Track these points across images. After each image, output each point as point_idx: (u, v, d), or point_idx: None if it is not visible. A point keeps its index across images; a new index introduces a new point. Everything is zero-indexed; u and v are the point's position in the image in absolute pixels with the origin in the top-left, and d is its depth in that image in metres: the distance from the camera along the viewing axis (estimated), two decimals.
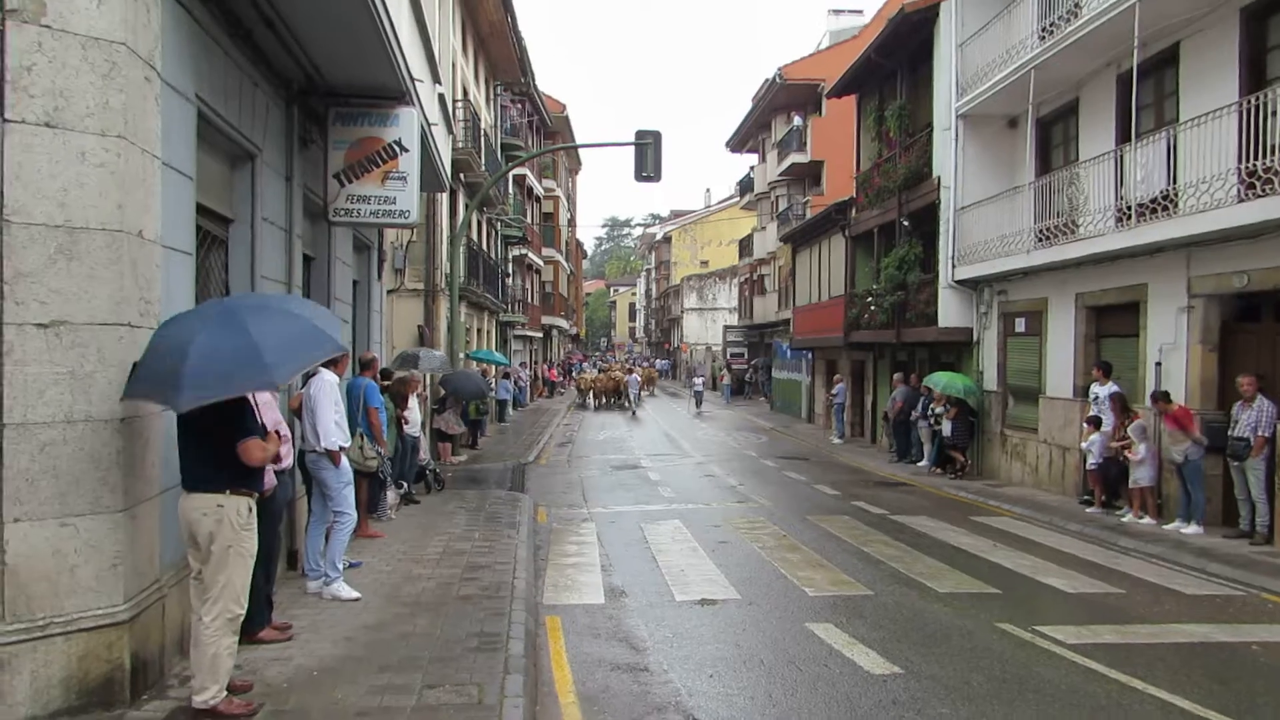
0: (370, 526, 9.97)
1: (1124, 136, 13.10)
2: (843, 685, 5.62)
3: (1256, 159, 9.87)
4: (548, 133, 39.18)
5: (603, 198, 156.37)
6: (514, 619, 6.73)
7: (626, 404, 37.02)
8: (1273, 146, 9.77)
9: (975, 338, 17.31)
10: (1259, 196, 9.75)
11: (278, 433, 5.47)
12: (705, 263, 67.47)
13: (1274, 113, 9.84)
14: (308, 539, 7.68)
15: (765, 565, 9.17)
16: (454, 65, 19.83)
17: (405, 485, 12.03)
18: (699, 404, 36.65)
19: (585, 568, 9.09)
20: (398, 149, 8.60)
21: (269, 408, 5.74)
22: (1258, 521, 10.18)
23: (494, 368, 26.08)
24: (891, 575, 8.67)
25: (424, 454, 13.57)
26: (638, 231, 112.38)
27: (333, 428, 7.45)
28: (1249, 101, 10.12)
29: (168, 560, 5.39)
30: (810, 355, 29.93)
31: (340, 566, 7.36)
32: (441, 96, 12.42)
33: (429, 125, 9.90)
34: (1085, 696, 5.40)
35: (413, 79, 8.50)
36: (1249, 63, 11.10)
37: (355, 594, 7.25)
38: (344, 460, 7.56)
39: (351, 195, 8.69)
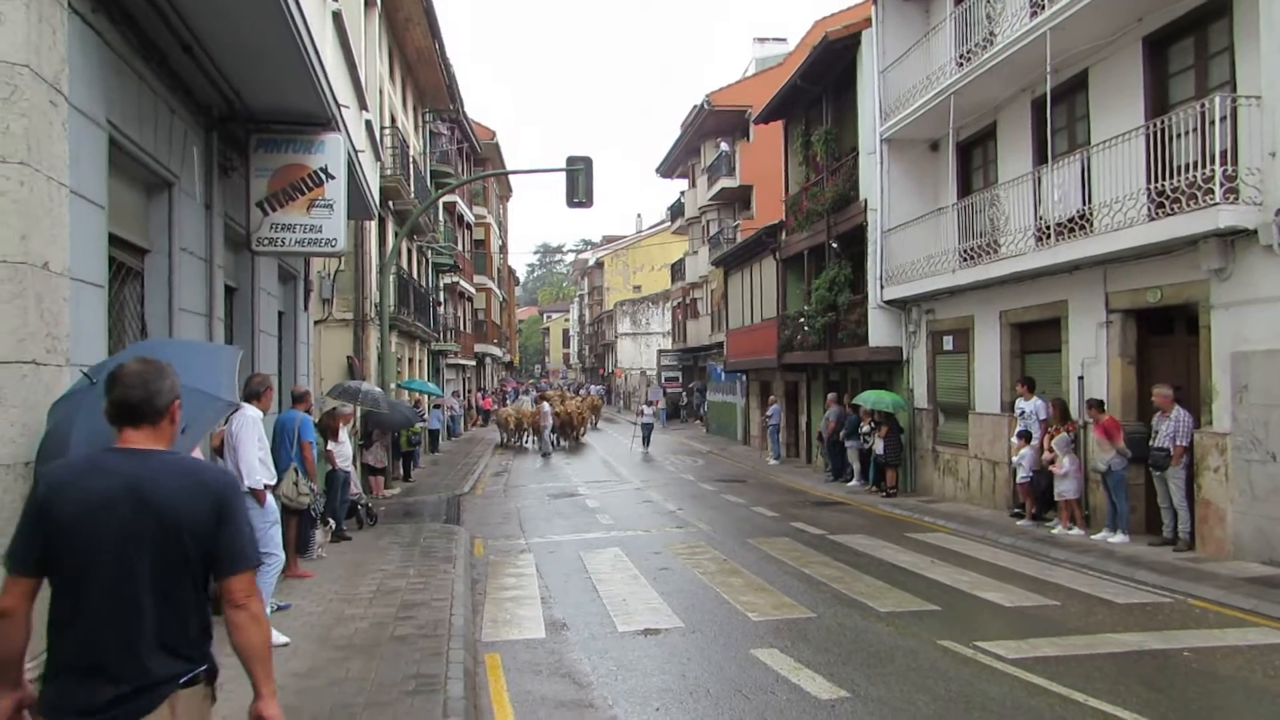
0: (300, 566, 9.62)
1: (1040, 159, 13.55)
2: (790, 713, 5.55)
3: (1164, 179, 10.29)
4: (477, 159, 38.98)
5: (534, 224, 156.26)
6: (452, 658, 6.52)
7: (530, 444, 30.37)
8: (1178, 167, 10.21)
9: (905, 356, 17.63)
10: (1168, 215, 10.14)
11: None
12: (638, 287, 67.76)
13: (1178, 135, 10.29)
14: None
15: (707, 591, 9.09)
16: (381, 92, 19.59)
17: (333, 522, 11.68)
18: (646, 441, 28.92)
19: (525, 601, 8.89)
20: (323, 176, 8.39)
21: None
22: (1180, 529, 10.50)
23: (427, 397, 25.64)
24: (833, 596, 8.68)
25: (355, 488, 13.20)
26: (570, 258, 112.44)
27: (257, 465, 7.16)
28: (1155, 125, 10.56)
29: None
30: (744, 377, 30.15)
31: (268, 611, 7.04)
32: (369, 123, 12.22)
33: (356, 152, 9.71)
34: (1029, 712, 5.43)
35: (338, 105, 8.32)
36: (1153, 88, 11.59)
37: (284, 639, 6.94)
38: (269, 499, 7.27)
39: (276, 224, 8.44)
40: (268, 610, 6.92)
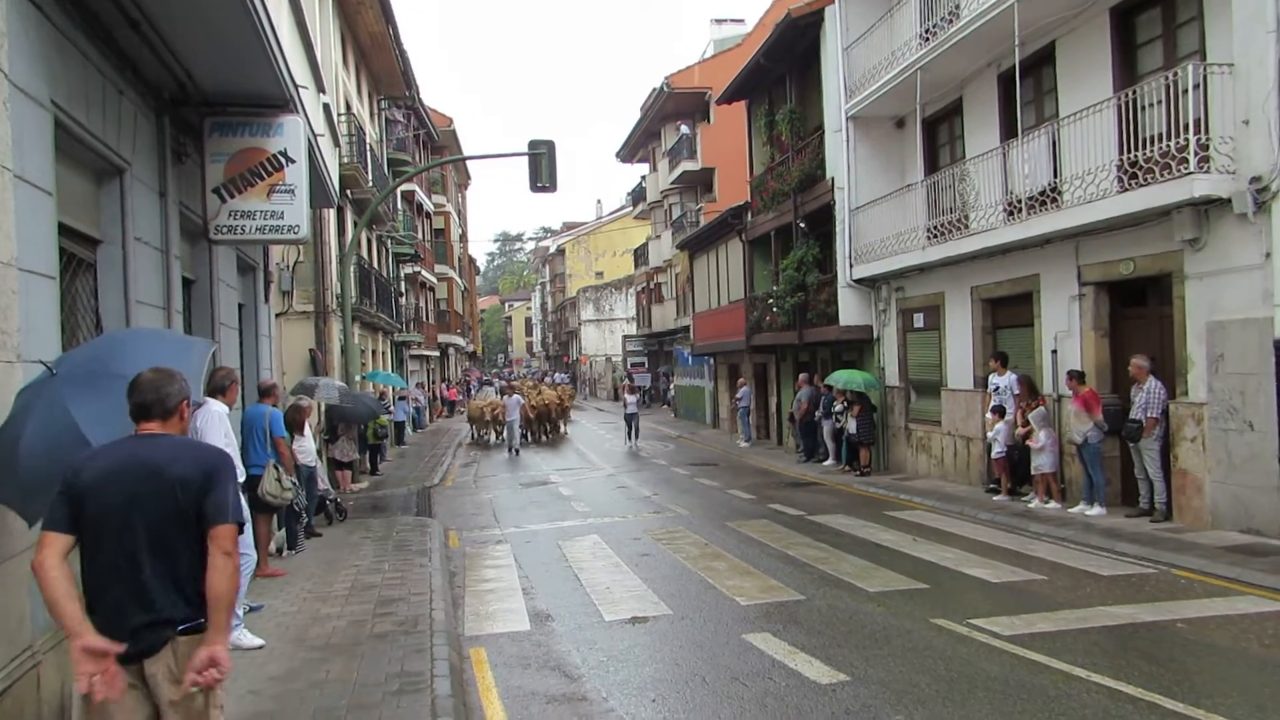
0: (270, 564, 9.31)
1: (1008, 133, 13.51)
2: (791, 698, 5.41)
3: (1135, 150, 10.27)
4: (435, 147, 38.33)
5: (493, 212, 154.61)
6: (436, 655, 6.29)
7: (494, 437, 27.35)
8: (1148, 138, 10.19)
9: (876, 335, 17.59)
10: (1141, 186, 10.12)
11: None
12: (600, 274, 67.41)
13: (1147, 106, 10.26)
14: None
15: (692, 576, 8.94)
16: (336, 78, 19.06)
17: (306, 517, 11.35)
18: (634, 433, 25.52)
19: (506, 593, 8.66)
20: (283, 160, 8.03)
21: None
22: (1156, 499, 10.55)
23: (391, 389, 25.20)
24: (820, 578, 8.57)
25: (323, 483, 12.86)
26: (530, 246, 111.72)
27: None
28: (1124, 96, 10.53)
29: (42, 622, 4.76)
30: (712, 360, 30.06)
31: (240, 613, 6.75)
32: (327, 106, 11.81)
33: (315, 135, 9.34)
34: (1034, 690, 5.34)
35: (296, 85, 7.96)
36: (1121, 59, 11.57)
37: (258, 641, 6.67)
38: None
39: (235, 211, 8.07)
40: (240, 612, 6.70)
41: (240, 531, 3.34)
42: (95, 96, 6.05)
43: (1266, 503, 9.26)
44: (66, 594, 3.04)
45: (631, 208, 50.78)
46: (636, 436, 25.51)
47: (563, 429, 29.28)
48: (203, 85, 7.60)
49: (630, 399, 26.12)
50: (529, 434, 27.30)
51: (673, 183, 35.21)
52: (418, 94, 30.12)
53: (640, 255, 45.46)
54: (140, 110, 7.03)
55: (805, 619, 7.14)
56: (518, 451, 24.23)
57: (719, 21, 39.13)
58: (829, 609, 7.41)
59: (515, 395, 26.44)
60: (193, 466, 3.24)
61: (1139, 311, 11.56)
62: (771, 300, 20.88)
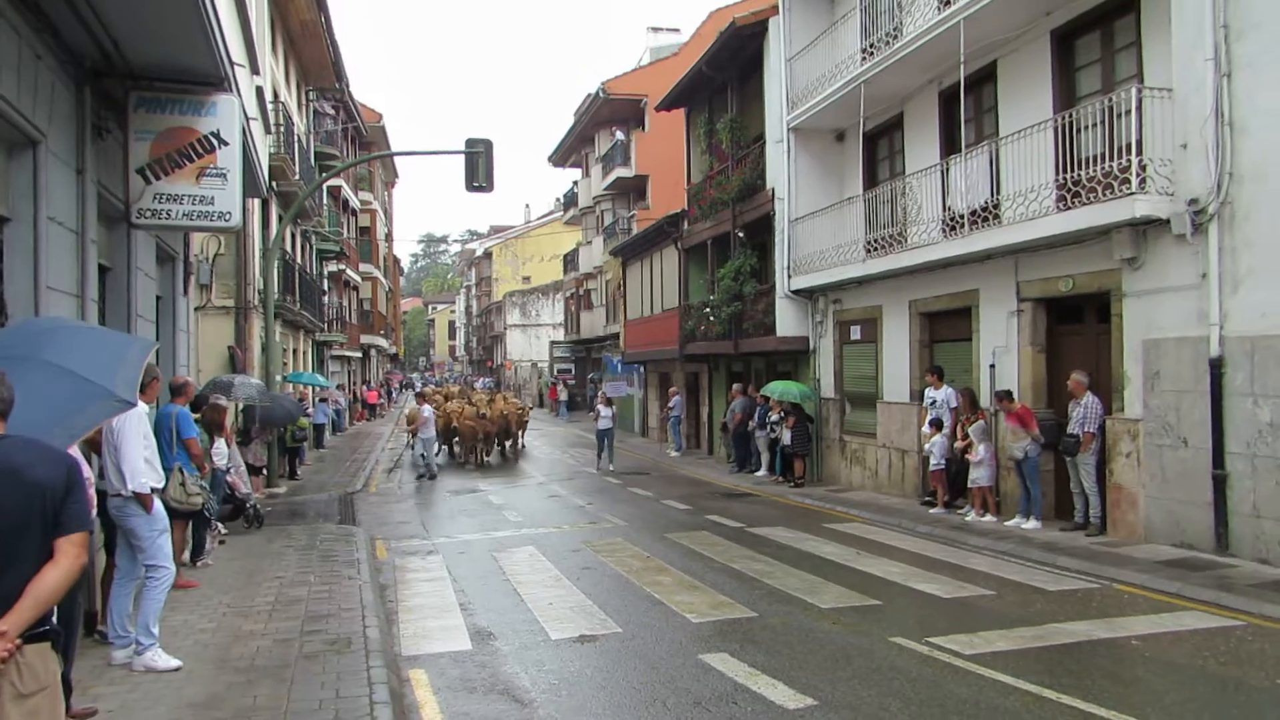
0: (183, 575, 8.65)
1: (948, 149, 13.66)
2: None
3: (1074, 170, 10.43)
4: (363, 142, 37.32)
5: (418, 214, 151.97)
6: (374, 678, 5.85)
7: (421, 463, 19.79)
8: (1087, 159, 10.37)
9: (812, 346, 17.62)
10: (1083, 204, 10.27)
11: None
12: (528, 279, 66.70)
13: (1086, 128, 10.44)
14: (112, 599, 6.44)
15: (637, 591, 8.64)
16: (266, 65, 18.24)
17: (221, 527, 10.69)
18: (608, 453, 20.68)
19: (443, 609, 8.21)
20: (215, 142, 7.48)
21: None
22: (1091, 514, 10.70)
23: (312, 391, 24.26)
24: (769, 593, 8.37)
25: (244, 487, 12.15)
26: (455, 248, 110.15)
27: (142, 466, 6.30)
28: (1063, 117, 10.70)
29: None
30: (642, 369, 29.86)
31: (155, 631, 6.18)
32: (260, 90, 11.18)
33: (248, 119, 8.77)
34: (1007, 713, 5.19)
35: (232, 63, 7.42)
36: (1060, 80, 11.78)
37: (175, 662, 6.11)
38: (157, 504, 6.40)
39: (160, 194, 7.48)
40: (155, 631, 6.13)
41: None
42: (9, 59, 5.49)
43: (1199, 517, 9.45)
44: None
45: (562, 213, 50.38)
46: (610, 458, 20.67)
47: (521, 444, 25.28)
48: (129, 56, 7.01)
49: (605, 411, 20.96)
50: (475, 453, 22.12)
51: (606, 189, 34.98)
52: (347, 87, 29.26)
53: (570, 261, 45.06)
54: (59, 79, 6.44)
55: (761, 638, 6.90)
56: (434, 476, 19.23)
57: (655, 30, 39.11)
58: (784, 627, 7.20)
59: (427, 405, 21.06)
60: (54, 469, 3.02)
61: (1076, 328, 11.74)
62: (708, 309, 20.75)
